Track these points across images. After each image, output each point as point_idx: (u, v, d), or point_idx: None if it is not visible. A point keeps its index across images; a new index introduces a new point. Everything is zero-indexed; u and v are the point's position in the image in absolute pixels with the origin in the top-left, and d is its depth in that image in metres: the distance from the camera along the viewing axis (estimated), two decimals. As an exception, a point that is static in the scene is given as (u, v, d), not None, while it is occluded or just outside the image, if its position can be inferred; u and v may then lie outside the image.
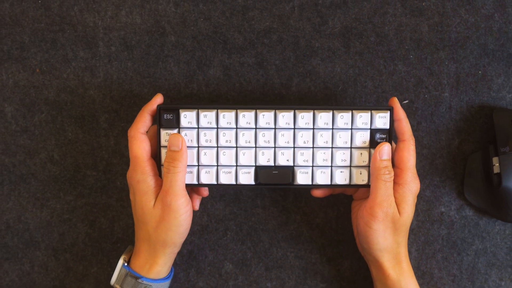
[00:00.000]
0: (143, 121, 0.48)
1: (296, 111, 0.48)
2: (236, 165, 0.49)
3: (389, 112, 0.48)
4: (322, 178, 0.49)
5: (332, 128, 0.48)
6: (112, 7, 0.55)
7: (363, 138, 0.48)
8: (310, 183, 0.49)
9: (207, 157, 0.48)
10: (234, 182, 0.49)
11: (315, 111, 0.48)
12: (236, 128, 0.48)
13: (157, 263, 0.48)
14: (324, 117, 0.48)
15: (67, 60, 0.55)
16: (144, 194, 0.47)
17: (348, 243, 0.56)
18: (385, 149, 0.47)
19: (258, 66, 0.55)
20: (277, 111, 0.48)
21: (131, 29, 0.55)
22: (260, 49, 0.55)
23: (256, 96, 0.55)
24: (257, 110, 0.48)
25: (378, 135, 0.48)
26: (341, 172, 0.49)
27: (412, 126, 0.55)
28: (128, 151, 0.50)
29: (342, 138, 0.48)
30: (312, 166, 0.49)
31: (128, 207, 0.55)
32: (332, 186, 0.49)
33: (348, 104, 0.55)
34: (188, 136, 0.48)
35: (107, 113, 0.55)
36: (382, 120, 0.48)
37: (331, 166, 0.49)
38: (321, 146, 0.48)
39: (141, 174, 0.47)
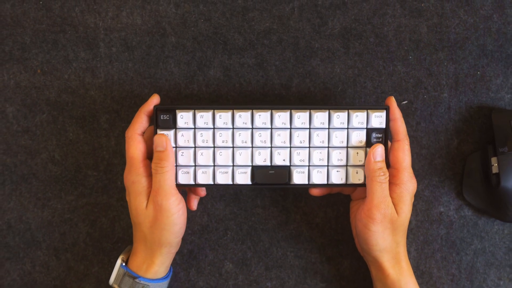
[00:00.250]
0: (140, 122, 0.48)
1: (292, 111, 0.48)
2: (233, 165, 0.49)
3: (385, 111, 0.48)
4: (319, 178, 0.49)
5: (328, 128, 0.48)
6: (113, 8, 0.55)
7: (359, 137, 0.48)
8: (306, 182, 0.49)
9: (204, 157, 0.49)
10: (230, 182, 0.49)
11: (311, 111, 0.48)
12: (233, 128, 0.48)
13: (155, 263, 0.48)
14: (320, 117, 0.48)
15: (68, 61, 0.56)
16: (137, 195, 0.47)
17: (348, 243, 0.56)
18: (379, 150, 0.47)
19: (258, 66, 0.56)
20: (273, 111, 0.48)
21: (131, 30, 0.55)
22: (260, 50, 0.55)
23: (256, 97, 0.56)
24: (254, 110, 0.48)
25: (374, 135, 0.48)
26: (337, 171, 0.49)
27: (411, 126, 0.55)
28: (128, 152, 0.50)
29: (338, 138, 0.48)
30: (309, 166, 0.49)
31: (128, 207, 0.56)
32: (328, 185, 0.49)
33: (347, 104, 0.55)
34: (185, 137, 0.48)
35: (108, 113, 0.56)
36: (378, 119, 0.48)
37: (328, 166, 0.49)
38: (318, 145, 0.49)
39: (136, 175, 0.47)
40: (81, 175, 0.56)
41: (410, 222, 0.54)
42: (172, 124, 0.48)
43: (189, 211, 0.55)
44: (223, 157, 0.49)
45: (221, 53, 0.55)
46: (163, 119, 0.48)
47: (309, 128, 0.48)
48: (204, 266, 0.56)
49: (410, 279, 0.48)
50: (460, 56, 0.55)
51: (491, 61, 0.55)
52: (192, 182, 0.49)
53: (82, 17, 0.55)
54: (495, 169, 0.52)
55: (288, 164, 0.49)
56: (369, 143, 0.48)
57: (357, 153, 0.48)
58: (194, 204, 0.52)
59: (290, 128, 0.49)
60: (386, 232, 0.47)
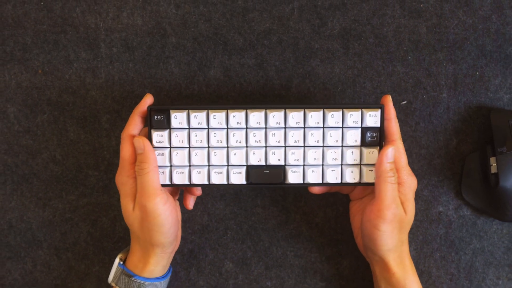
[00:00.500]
0: (134, 124, 0.48)
1: (287, 110, 0.48)
2: (228, 165, 0.49)
3: (379, 110, 0.48)
4: (314, 177, 0.49)
5: (323, 127, 0.48)
6: (113, 8, 0.56)
7: (354, 136, 0.48)
8: (301, 182, 0.49)
9: (198, 157, 0.48)
10: (225, 182, 0.49)
11: (305, 110, 0.48)
12: (227, 128, 0.48)
13: (149, 262, 0.48)
14: (314, 116, 0.48)
15: (69, 61, 0.56)
16: (125, 197, 0.48)
17: (347, 242, 0.56)
18: (391, 152, 0.46)
19: (258, 67, 0.56)
20: (267, 110, 0.48)
21: (132, 30, 0.56)
22: (260, 50, 0.56)
23: (256, 97, 0.56)
24: (248, 110, 0.48)
25: (368, 134, 0.48)
26: (332, 170, 0.48)
27: (410, 126, 0.56)
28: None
29: (333, 137, 0.48)
30: (303, 165, 0.49)
31: (129, 206, 0.56)
32: (323, 184, 0.49)
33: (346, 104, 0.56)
34: (179, 137, 0.48)
35: (109, 113, 0.56)
36: (372, 118, 0.48)
37: (322, 165, 0.49)
38: (312, 145, 0.48)
39: (125, 177, 0.47)
40: (82, 175, 0.56)
41: (409, 221, 0.55)
42: (166, 125, 0.48)
43: (188, 210, 0.55)
44: (218, 157, 0.48)
45: (221, 53, 0.56)
46: (157, 119, 0.48)
47: (304, 128, 0.48)
48: (205, 266, 0.56)
49: (414, 277, 0.49)
50: (459, 57, 0.56)
51: (490, 61, 0.56)
52: (187, 182, 0.49)
53: (83, 18, 0.56)
54: (493, 169, 0.52)
55: (283, 163, 0.49)
56: (364, 142, 0.48)
57: (352, 152, 0.48)
58: (190, 204, 0.52)
59: (285, 128, 0.48)
60: (394, 232, 0.47)
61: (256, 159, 0.49)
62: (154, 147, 0.48)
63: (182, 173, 0.49)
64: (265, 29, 0.56)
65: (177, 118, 0.48)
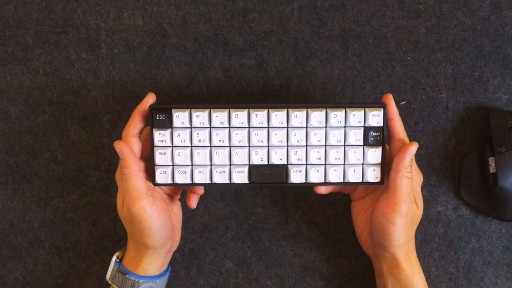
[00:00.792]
0: (135, 123, 0.48)
1: (289, 109, 0.48)
2: (230, 164, 0.49)
3: (382, 109, 0.48)
4: (316, 177, 0.49)
5: (326, 127, 0.48)
6: (114, 9, 0.56)
7: (356, 136, 0.48)
8: (304, 181, 0.49)
9: (201, 156, 0.48)
10: (228, 181, 0.49)
11: (308, 109, 0.48)
12: (229, 127, 0.48)
13: (143, 261, 0.49)
14: (317, 116, 0.48)
15: (70, 62, 0.56)
16: (119, 195, 0.48)
17: (347, 242, 0.56)
18: (414, 148, 0.47)
19: (258, 67, 0.56)
20: (270, 110, 0.48)
21: (133, 31, 0.56)
22: (260, 50, 0.56)
23: (256, 98, 0.56)
24: (250, 110, 0.48)
25: (371, 133, 0.48)
26: (334, 170, 0.48)
27: (409, 126, 0.56)
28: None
29: (336, 137, 0.48)
30: (306, 165, 0.49)
31: (130, 206, 0.56)
32: (325, 184, 0.49)
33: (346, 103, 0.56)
34: (181, 136, 0.48)
35: (110, 114, 0.56)
36: (375, 118, 0.48)
37: (325, 164, 0.49)
38: (315, 144, 0.48)
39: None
40: (83, 175, 0.56)
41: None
42: (168, 124, 0.48)
43: (188, 210, 0.56)
44: (220, 156, 0.48)
45: (222, 54, 0.56)
46: (159, 119, 0.48)
47: (306, 127, 0.48)
48: (205, 265, 0.56)
49: (420, 273, 0.49)
50: (458, 57, 0.56)
51: (489, 62, 0.56)
52: (189, 182, 0.49)
53: (84, 19, 0.56)
54: (492, 169, 0.52)
55: (285, 163, 0.49)
56: (366, 142, 0.48)
57: (355, 151, 0.48)
58: (194, 203, 0.52)
59: (287, 127, 0.48)
60: (407, 226, 0.47)
61: (259, 158, 0.48)
62: (156, 147, 0.48)
63: (184, 172, 0.48)
64: (265, 29, 0.56)
65: (179, 117, 0.48)
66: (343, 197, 0.56)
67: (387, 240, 0.47)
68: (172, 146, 0.48)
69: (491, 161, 0.52)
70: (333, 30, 0.56)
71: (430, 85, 0.56)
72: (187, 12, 0.56)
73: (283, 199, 0.56)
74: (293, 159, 0.49)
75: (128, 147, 0.46)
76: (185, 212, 0.56)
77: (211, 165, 0.49)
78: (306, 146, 0.49)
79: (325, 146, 0.49)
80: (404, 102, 0.56)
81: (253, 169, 0.49)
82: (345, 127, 0.48)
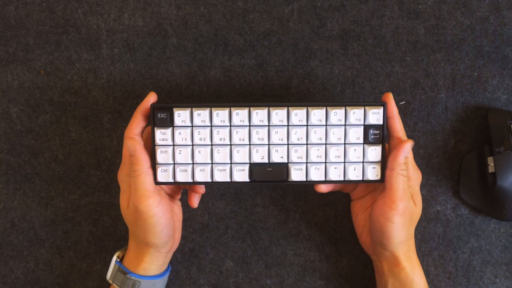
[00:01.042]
0: (137, 122, 0.48)
1: (290, 108, 0.48)
2: (231, 163, 0.49)
3: (382, 108, 0.48)
4: (316, 175, 0.49)
5: (326, 125, 0.48)
6: (115, 10, 0.56)
7: (356, 134, 0.48)
8: (304, 179, 0.49)
9: (201, 155, 0.48)
10: (228, 180, 0.49)
11: (308, 108, 0.48)
12: (230, 126, 0.48)
13: (143, 260, 0.49)
14: (317, 114, 0.48)
15: (71, 62, 0.56)
16: (123, 194, 0.48)
17: (346, 241, 0.56)
18: (409, 146, 0.47)
19: (258, 67, 0.56)
20: (270, 108, 0.48)
21: (133, 31, 0.56)
22: (260, 51, 0.56)
23: (256, 98, 0.56)
24: (251, 108, 0.48)
25: (371, 131, 0.48)
26: (335, 168, 0.49)
27: (409, 126, 0.56)
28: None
29: (336, 135, 0.48)
30: (306, 163, 0.49)
31: (130, 205, 0.56)
32: (326, 182, 0.49)
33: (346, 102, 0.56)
34: (182, 135, 0.48)
35: (110, 113, 0.56)
36: (375, 116, 0.48)
37: (325, 163, 0.49)
38: (315, 142, 0.48)
39: (125, 175, 0.48)
40: (84, 175, 0.56)
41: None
42: (169, 122, 0.48)
43: (188, 209, 0.56)
44: (221, 154, 0.48)
45: (222, 54, 0.56)
46: (160, 117, 0.48)
47: (307, 125, 0.48)
48: (205, 264, 0.56)
49: (420, 272, 0.49)
50: (457, 57, 0.56)
51: (488, 62, 0.56)
52: (190, 180, 0.49)
53: (85, 19, 0.56)
54: (491, 169, 0.52)
55: (286, 161, 0.49)
56: (366, 140, 0.48)
57: (355, 149, 0.48)
58: (195, 202, 0.52)
59: (288, 125, 0.48)
60: (405, 224, 0.47)
61: (259, 156, 0.49)
62: (157, 145, 0.48)
63: (186, 170, 0.49)
64: (265, 30, 0.56)
65: (180, 116, 0.48)
66: (342, 196, 0.56)
67: (386, 238, 0.47)
68: (173, 145, 0.49)
69: (490, 160, 0.52)
70: (333, 30, 0.56)
71: (429, 85, 0.56)
72: (187, 13, 0.56)
73: (283, 199, 0.56)
74: (293, 157, 0.49)
75: (140, 144, 0.47)
76: (186, 212, 0.56)
77: (212, 163, 0.49)
78: (307, 144, 0.49)
79: (326, 144, 0.49)
80: (404, 102, 0.56)
81: (254, 167, 0.49)
82: (345, 125, 0.48)
